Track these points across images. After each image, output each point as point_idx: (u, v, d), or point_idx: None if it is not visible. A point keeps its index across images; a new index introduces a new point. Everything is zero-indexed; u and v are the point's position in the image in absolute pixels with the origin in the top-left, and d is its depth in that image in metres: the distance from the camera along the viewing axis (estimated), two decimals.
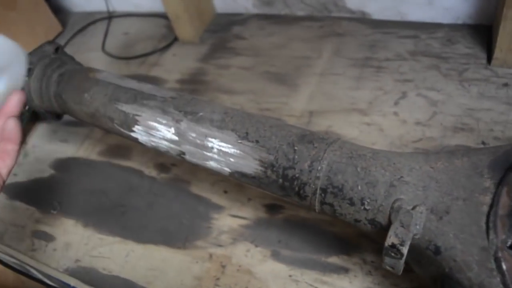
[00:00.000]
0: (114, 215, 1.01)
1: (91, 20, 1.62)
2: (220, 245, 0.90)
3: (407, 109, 0.99)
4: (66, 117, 1.03)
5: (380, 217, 0.64)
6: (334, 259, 0.83)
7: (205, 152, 0.78)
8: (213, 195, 0.97)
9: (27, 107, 0.95)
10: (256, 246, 0.88)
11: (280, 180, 0.72)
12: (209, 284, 0.85)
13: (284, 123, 0.77)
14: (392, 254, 0.62)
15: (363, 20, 1.21)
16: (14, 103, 0.73)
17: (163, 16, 1.41)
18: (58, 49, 1.01)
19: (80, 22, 1.64)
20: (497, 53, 1.03)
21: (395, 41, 1.14)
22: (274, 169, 0.72)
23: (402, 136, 0.94)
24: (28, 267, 0.96)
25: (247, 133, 0.75)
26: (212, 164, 0.78)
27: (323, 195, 0.68)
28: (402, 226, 0.61)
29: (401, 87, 1.04)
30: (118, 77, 0.93)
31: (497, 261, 0.55)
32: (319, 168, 0.68)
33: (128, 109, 0.85)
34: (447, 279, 0.59)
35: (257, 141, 0.74)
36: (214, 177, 0.99)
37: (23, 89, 0.83)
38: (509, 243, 0.56)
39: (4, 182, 0.68)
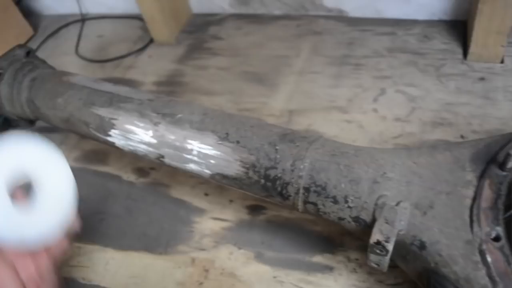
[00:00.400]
0: (92, 223, 0.98)
1: (64, 23, 1.58)
2: (202, 249, 0.88)
3: (386, 106, 1.00)
4: (39, 123, 0.99)
5: (365, 214, 0.64)
6: (318, 258, 0.82)
7: (184, 155, 0.76)
8: (194, 198, 0.95)
9: None
10: (239, 248, 0.86)
11: (262, 181, 0.70)
12: None
13: (265, 123, 0.76)
14: (377, 251, 0.62)
15: (340, 18, 1.21)
16: None
17: (138, 17, 1.38)
18: (29, 53, 0.97)
19: (52, 25, 1.59)
20: (472, 48, 1.04)
21: (372, 38, 1.14)
22: (256, 169, 0.70)
23: (382, 132, 0.94)
24: None
25: (227, 134, 0.73)
26: (192, 166, 0.76)
27: (306, 194, 0.67)
28: (387, 223, 0.61)
29: (379, 84, 1.04)
30: (93, 81, 0.91)
31: (482, 253, 0.55)
32: (301, 167, 0.67)
33: (104, 113, 0.82)
34: (433, 274, 0.58)
35: (237, 142, 0.72)
36: (194, 180, 0.97)
37: None
38: (493, 235, 0.56)
39: None
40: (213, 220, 0.91)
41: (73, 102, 0.86)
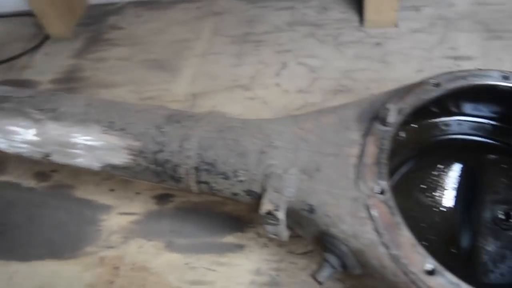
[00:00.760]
0: None
1: None
2: (111, 247, 0.84)
3: (288, 79, 0.99)
4: None
5: (255, 186, 0.62)
6: (229, 239, 0.81)
7: (71, 150, 0.71)
8: (100, 196, 0.90)
9: None
10: (149, 240, 0.83)
11: (152, 166, 0.67)
12: None
13: (152, 107, 0.73)
14: (270, 221, 0.61)
15: None
16: None
17: (29, 14, 1.29)
18: None
19: None
20: (367, 15, 1.06)
21: (272, 14, 1.13)
22: (144, 155, 0.67)
23: (285, 106, 0.94)
24: None
25: (112, 122, 0.69)
26: (81, 161, 0.72)
27: (197, 173, 0.65)
28: (276, 192, 0.60)
29: (281, 58, 1.03)
30: None
31: (368, 209, 0.55)
32: (189, 146, 0.65)
33: None
34: (325, 236, 0.58)
35: (123, 129, 0.68)
36: (99, 177, 0.92)
37: None
38: (377, 189, 0.56)
39: None
40: (120, 216, 0.87)
41: None
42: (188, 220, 0.85)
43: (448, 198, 0.77)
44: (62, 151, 0.72)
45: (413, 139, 0.77)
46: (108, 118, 0.70)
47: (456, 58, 0.99)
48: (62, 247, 0.86)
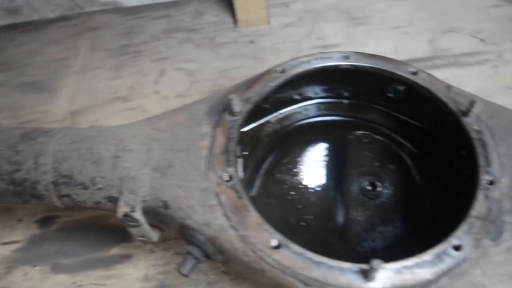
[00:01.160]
0: None
1: None
2: None
3: (167, 85, 1.00)
4: None
5: (114, 191, 0.62)
6: (116, 250, 0.80)
7: None
8: None
9: None
10: (34, 266, 0.80)
11: (11, 187, 0.65)
12: None
13: (7, 128, 0.71)
14: (131, 223, 0.61)
15: (116, 10, 1.19)
16: None
17: None
18: None
19: None
20: (239, 15, 1.10)
21: (149, 23, 1.14)
22: (0, 177, 0.65)
23: (164, 111, 0.94)
24: None
25: None
26: None
27: (56, 188, 0.64)
28: (131, 193, 0.60)
29: (159, 66, 1.04)
30: None
31: (217, 196, 0.57)
32: (43, 162, 0.64)
33: None
34: (184, 229, 0.59)
35: None
36: None
37: None
38: (225, 177, 0.59)
39: None
40: (2, 246, 0.84)
41: None
42: (73, 239, 0.83)
43: (320, 177, 0.81)
44: None
45: (279, 127, 0.81)
46: None
47: (324, 47, 1.05)
48: None
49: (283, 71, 0.69)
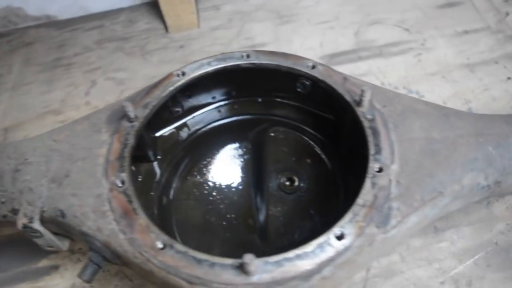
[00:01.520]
0: None
1: None
2: None
3: (98, 96, 1.01)
4: None
5: (16, 204, 0.63)
6: (44, 262, 0.81)
7: None
8: None
9: None
10: None
11: None
12: None
13: None
14: (33, 234, 0.62)
15: (49, 24, 1.20)
16: None
17: None
18: None
19: None
20: (169, 21, 1.11)
21: (82, 35, 1.15)
22: None
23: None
24: None
25: None
26: None
27: None
28: (29, 205, 0.61)
29: (90, 77, 1.05)
30: None
31: (109, 201, 0.58)
32: None
33: None
34: (83, 236, 0.60)
35: None
36: None
37: None
38: (118, 182, 0.60)
39: None
40: None
41: None
42: (2, 254, 0.84)
43: (240, 176, 0.82)
44: None
45: (194, 130, 0.82)
46: None
47: (252, 46, 1.06)
48: None
49: (183, 74, 0.71)
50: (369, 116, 0.64)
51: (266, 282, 0.50)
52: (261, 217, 0.79)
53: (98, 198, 0.59)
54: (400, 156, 0.61)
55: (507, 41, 1.02)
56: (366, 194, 0.57)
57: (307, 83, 0.75)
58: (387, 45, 1.03)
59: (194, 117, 0.81)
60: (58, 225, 0.63)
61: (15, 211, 0.64)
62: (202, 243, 0.76)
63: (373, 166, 0.59)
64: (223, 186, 0.81)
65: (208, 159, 0.83)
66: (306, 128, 0.82)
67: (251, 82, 0.78)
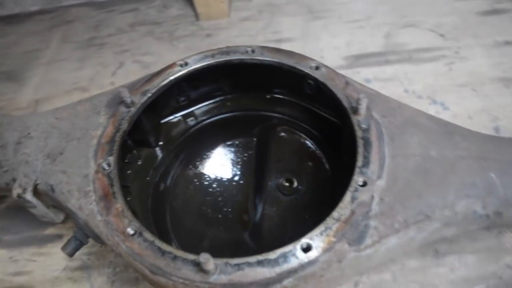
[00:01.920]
0: None
1: None
2: None
3: (123, 77, 1.04)
4: None
5: (16, 174, 0.67)
6: (50, 231, 0.86)
7: None
8: None
9: None
10: None
11: None
12: None
13: None
14: (26, 204, 0.66)
15: (90, 3, 1.24)
16: None
17: None
18: None
19: None
20: (199, 9, 1.12)
21: (117, 17, 1.19)
22: None
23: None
24: None
25: None
26: None
27: None
28: (25, 176, 0.65)
29: (119, 58, 1.09)
30: None
31: (93, 182, 0.60)
32: None
33: None
34: (67, 211, 0.63)
35: None
36: None
37: None
38: (105, 165, 0.61)
39: None
40: None
41: None
42: (17, 217, 0.89)
43: (242, 171, 0.82)
44: None
45: (200, 120, 0.83)
46: None
47: (278, 40, 1.05)
48: None
49: (186, 65, 0.71)
50: (363, 126, 0.62)
51: (222, 283, 0.50)
52: (257, 215, 0.78)
53: (84, 178, 0.61)
54: (390, 171, 0.58)
55: None
56: (343, 208, 0.55)
57: (312, 83, 0.73)
58: (418, 50, 0.98)
59: (200, 107, 0.82)
60: (50, 198, 0.66)
61: (15, 181, 0.68)
62: (194, 232, 0.77)
63: (357, 179, 0.57)
64: (224, 179, 0.81)
65: (212, 150, 0.83)
66: (312, 130, 0.80)
67: (258, 78, 0.76)
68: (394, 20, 1.04)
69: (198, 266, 0.51)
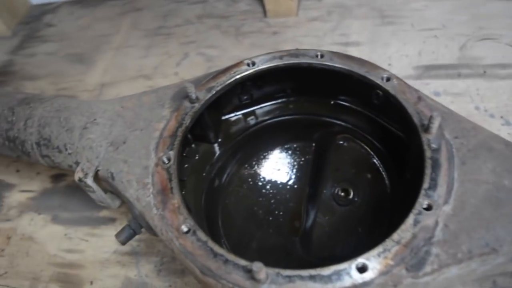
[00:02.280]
0: None
1: None
2: (8, 220, 0.93)
3: (187, 68, 1.06)
4: None
5: (80, 157, 0.69)
6: (104, 213, 0.89)
7: None
8: (6, 176, 1.00)
9: None
10: (39, 214, 0.92)
11: (6, 142, 0.76)
12: None
13: (13, 92, 0.82)
14: (86, 188, 0.68)
15: None
16: None
17: None
18: None
19: None
20: (268, 5, 1.11)
21: (186, 8, 1.20)
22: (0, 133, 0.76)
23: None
24: None
25: None
26: None
27: (38, 148, 0.73)
28: (88, 161, 0.67)
29: (184, 49, 1.10)
30: None
31: (152, 175, 0.61)
32: (30, 124, 0.73)
33: None
34: (124, 199, 0.64)
35: None
36: (9, 160, 1.02)
37: None
38: (164, 159, 0.62)
39: None
40: (20, 193, 0.97)
41: None
42: (75, 196, 0.93)
43: (298, 176, 0.81)
44: None
45: (260, 120, 0.82)
46: None
47: (345, 44, 1.02)
48: None
49: (253, 64, 0.70)
50: (434, 146, 0.58)
51: None
52: (308, 222, 0.77)
53: (144, 170, 0.62)
54: (458, 197, 0.55)
55: None
56: (404, 230, 0.52)
57: (381, 94, 0.70)
58: (494, 65, 0.92)
59: (262, 107, 0.81)
60: (109, 185, 0.67)
61: (77, 164, 0.70)
62: (243, 232, 0.76)
63: (422, 202, 0.54)
64: (278, 182, 0.80)
65: (269, 152, 0.82)
66: (374, 141, 0.77)
67: (325, 83, 0.74)
68: (471, 32, 0.98)
69: (249, 272, 0.51)
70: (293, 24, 1.08)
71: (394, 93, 0.64)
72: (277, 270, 0.50)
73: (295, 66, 0.70)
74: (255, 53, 1.02)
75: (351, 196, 0.76)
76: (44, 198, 0.95)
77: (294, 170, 0.81)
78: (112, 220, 0.87)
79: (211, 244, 0.54)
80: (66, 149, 0.70)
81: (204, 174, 0.77)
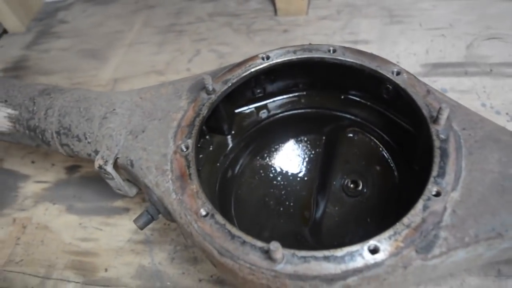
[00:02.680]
0: None
1: None
2: (23, 209, 0.95)
3: (199, 64, 1.08)
4: None
5: (99, 146, 0.72)
6: (118, 203, 0.91)
7: None
8: (22, 167, 1.03)
9: None
10: (54, 204, 0.94)
11: (27, 132, 0.78)
12: (10, 244, 0.90)
13: (35, 83, 0.84)
14: (105, 175, 0.70)
15: None
16: None
17: None
18: None
19: None
20: (278, 4, 1.13)
21: (198, 6, 1.22)
22: (20, 122, 0.78)
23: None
24: None
25: None
26: None
27: (58, 137, 0.75)
28: (107, 149, 0.69)
29: (196, 46, 1.12)
30: None
31: (171, 162, 0.64)
32: (51, 114, 0.76)
33: None
34: (145, 188, 0.67)
35: (5, 101, 0.80)
36: (24, 151, 1.05)
37: None
38: (183, 147, 0.64)
39: None
40: (35, 183, 0.99)
41: None
42: (89, 187, 0.95)
43: (308, 168, 0.83)
44: None
45: (272, 114, 0.84)
46: None
47: (354, 42, 1.04)
48: None
49: (268, 58, 0.73)
50: (442, 136, 0.61)
51: (288, 273, 0.51)
52: (318, 212, 0.79)
53: (163, 157, 0.65)
54: (465, 185, 0.57)
55: None
56: (414, 215, 0.55)
57: (391, 88, 0.73)
58: (500, 64, 0.94)
59: (275, 101, 0.84)
60: (128, 172, 0.70)
61: (97, 152, 0.73)
62: (255, 221, 0.78)
63: (431, 188, 0.56)
64: (289, 174, 0.83)
65: (280, 144, 0.85)
66: (383, 135, 0.79)
67: (336, 78, 0.77)
68: (478, 31, 1.00)
69: (265, 253, 0.53)
70: (303, 23, 1.11)
71: (404, 87, 0.66)
72: (292, 251, 0.53)
73: (308, 60, 0.73)
74: (264, 50, 1.06)
75: (360, 188, 0.78)
76: (59, 188, 0.97)
77: (305, 162, 0.83)
78: (126, 210, 0.89)
79: (229, 226, 0.56)
80: (86, 138, 0.73)
81: (218, 164, 0.79)
